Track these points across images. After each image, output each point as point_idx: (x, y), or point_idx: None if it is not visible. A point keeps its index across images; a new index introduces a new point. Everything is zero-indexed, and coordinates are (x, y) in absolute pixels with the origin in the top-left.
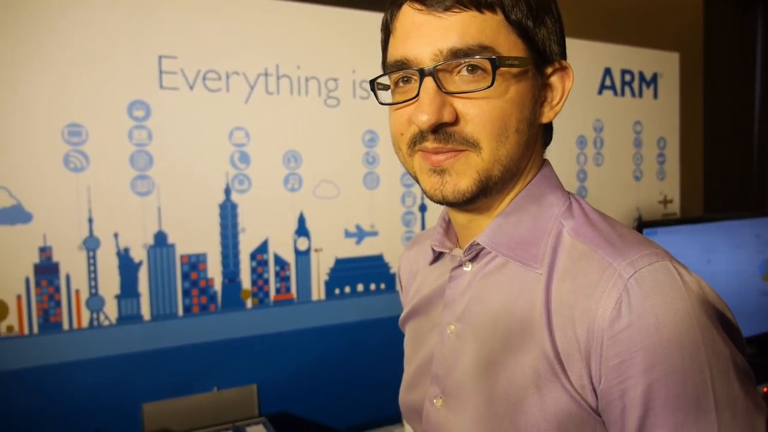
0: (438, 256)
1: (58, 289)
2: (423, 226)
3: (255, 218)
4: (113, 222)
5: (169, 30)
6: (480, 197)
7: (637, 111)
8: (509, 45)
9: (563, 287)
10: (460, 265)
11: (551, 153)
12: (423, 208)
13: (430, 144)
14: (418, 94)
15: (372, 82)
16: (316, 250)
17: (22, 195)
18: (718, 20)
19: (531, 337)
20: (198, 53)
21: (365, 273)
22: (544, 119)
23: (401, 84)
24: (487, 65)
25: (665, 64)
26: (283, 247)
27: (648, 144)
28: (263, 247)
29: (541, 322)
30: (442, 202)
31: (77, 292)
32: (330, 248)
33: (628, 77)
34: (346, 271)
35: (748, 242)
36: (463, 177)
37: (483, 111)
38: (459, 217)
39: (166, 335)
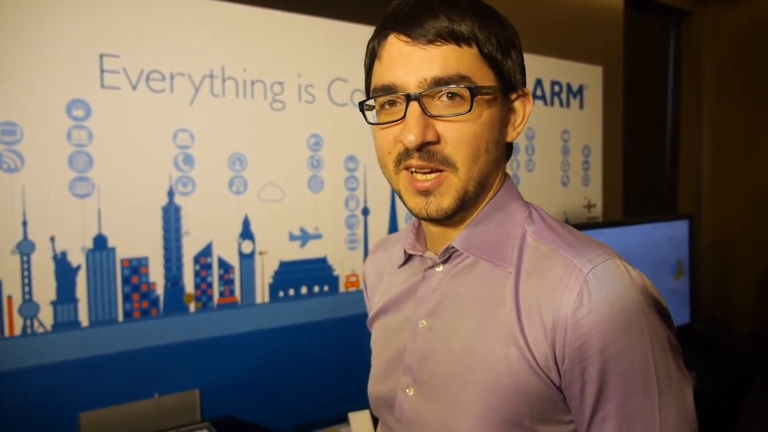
0: (408, 259)
1: None
2: (365, 229)
3: (199, 221)
4: (49, 225)
5: (112, 27)
6: (459, 212)
7: (565, 120)
8: (482, 75)
9: (531, 283)
10: (433, 266)
11: None
12: (366, 212)
13: (414, 161)
14: (404, 116)
15: (361, 104)
16: (260, 253)
17: None
18: (637, 36)
19: (502, 327)
20: (141, 52)
21: (309, 275)
22: (509, 138)
23: (387, 107)
24: (466, 93)
25: (590, 76)
26: (227, 250)
27: (574, 151)
28: (207, 251)
29: (510, 313)
30: (426, 219)
31: (9, 298)
32: (275, 251)
33: (557, 88)
34: (290, 274)
35: (661, 243)
36: (445, 197)
37: (461, 134)
38: (435, 229)
39: (106, 341)
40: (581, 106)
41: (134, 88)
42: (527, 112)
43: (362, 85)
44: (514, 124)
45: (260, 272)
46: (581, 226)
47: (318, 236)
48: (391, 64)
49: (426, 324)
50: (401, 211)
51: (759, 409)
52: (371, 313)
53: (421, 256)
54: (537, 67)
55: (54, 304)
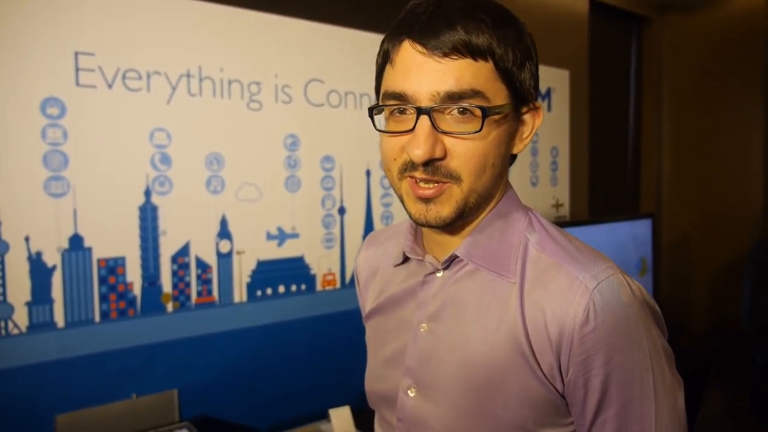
0: (405, 261)
1: None
2: (342, 229)
3: (176, 221)
4: (24, 225)
5: (87, 25)
6: (458, 221)
7: None
8: (496, 90)
9: (536, 294)
10: (434, 272)
11: None
12: (342, 211)
13: (419, 174)
14: (413, 128)
15: (371, 109)
16: (238, 253)
17: None
18: (601, 42)
19: (506, 334)
20: (117, 51)
21: (287, 274)
22: (515, 151)
23: (396, 114)
24: (478, 112)
25: (557, 79)
26: (204, 249)
27: (543, 153)
28: (184, 250)
29: (516, 321)
30: (425, 225)
31: None
32: (252, 250)
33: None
34: (268, 273)
35: (626, 241)
36: (445, 206)
37: (468, 150)
38: (436, 236)
39: (82, 342)
40: (549, 108)
41: (110, 86)
42: (536, 126)
43: (338, 86)
44: (522, 136)
45: (238, 271)
46: None
47: (295, 235)
48: (405, 73)
49: (427, 327)
50: (377, 211)
51: (716, 397)
52: (367, 309)
53: (421, 260)
54: None
55: (29, 305)
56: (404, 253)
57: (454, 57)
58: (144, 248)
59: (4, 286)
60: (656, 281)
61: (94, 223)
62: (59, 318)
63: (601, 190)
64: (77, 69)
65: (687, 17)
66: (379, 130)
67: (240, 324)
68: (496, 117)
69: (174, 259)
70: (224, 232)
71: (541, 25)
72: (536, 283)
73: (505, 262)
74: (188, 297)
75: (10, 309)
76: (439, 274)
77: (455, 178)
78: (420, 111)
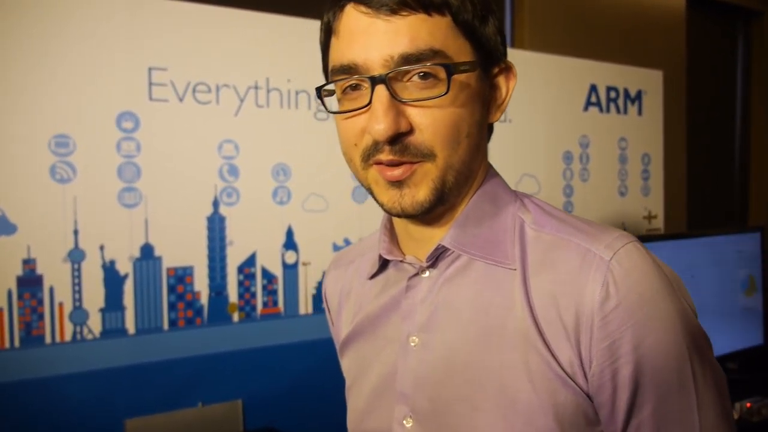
0: (380, 269)
1: (41, 302)
2: None
3: (243, 231)
4: (99, 234)
5: (160, 41)
6: (437, 206)
7: (622, 127)
8: (458, 47)
9: (542, 279)
10: (418, 273)
11: (539, 167)
12: None
13: (385, 156)
14: (370, 103)
15: (318, 90)
16: (304, 264)
17: (6, 206)
18: (701, 39)
19: (515, 333)
20: (188, 65)
21: None
22: (492, 119)
23: (349, 91)
24: (441, 72)
25: (649, 81)
26: (270, 260)
27: (633, 160)
28: (251, 261)
29: (523, 316)
30: (400, 214)
31: (61, 305)
32: (318, 262)
33: (613, 94)
34: None
35: (730, 258)
36: (420, 188)
37: (436, 119)
38: (415, 229)
39: (151, 349)
40: (640, 112)
41: (181, 100)
42: (510, 88)
43: None
44: (497, 102)
45: (303, 283)
46: (642, 239)
47: None
48: (350, 40)
49: (418, 341)
50: None
51: None
52: (341, 339)
53: (401, 262)
54: (591, 72)
55: (102, 311)
56: (380, 257)
57: (404, 13)
58: (211, 258)
59: (80, 292)
60: (767, 301)
61: (164, 233)
62: (130, 325)
63: (702, 202)
64: (150, 84)
65: None
66: (331, 112)
67: (305, 336)
68: (463, 77)
69: (240, 270)
70: (290, 243)
71: (630, 22)
72: (541, 267)
73: (500, 246)
74: (254, 307)
75: (86, 315)
76: (426, 275)
77: (427, 155)
78: (374, 81)
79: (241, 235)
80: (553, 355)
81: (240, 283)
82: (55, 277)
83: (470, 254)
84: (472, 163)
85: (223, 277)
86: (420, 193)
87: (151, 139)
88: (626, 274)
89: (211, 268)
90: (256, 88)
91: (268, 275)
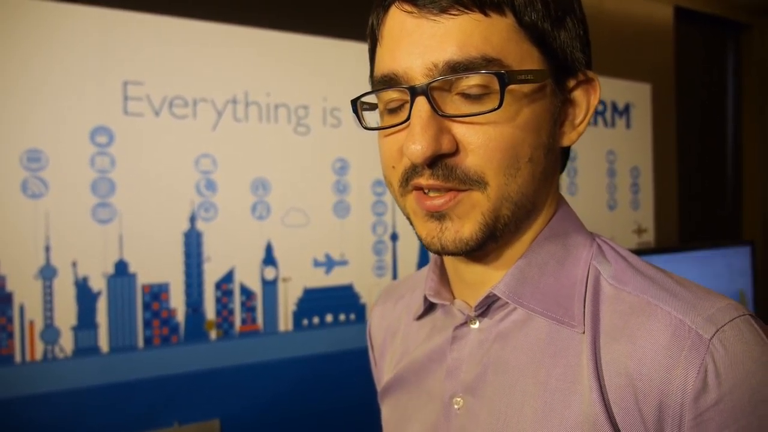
0: (428, 310)
1: (10, 320)
2: (394, 256)
3: (221, 247)
4: (72, 250)
5: (136, 55)
6: (488, 244)
7: (610, 140)
8: (521, 55)
9: (617, 351)
10: (466, 322)
11: None
12: (394, 237)
13: (425, 180)
14: (409, 118)
15: (354, 103)
16: (284, 280)
17: None
18: (690, 52)
19: (580, 415)
20: (165, 79)
21: (335, 303)
22: (565, 142)
23: (392, 105)
24: (494, 82)
25: (637, 94)
26: (249, 276)
27: (621, 173)
28: (229, 277)
29: (591, 397)
30: (440, 251)
31: (31, 323)
32: (298, 278)
33: (600, 107)
34: (315, 301)
35: (721, 272)
36: (465, 222)
37: (489, 139)
38: (465, 268)
39: (125, 368)
40: (628, 125)
41: (157, 114)
42: (592, 105)
43: None
44: (574, 121)
45: (283, 299)
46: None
47: (344, 263)
48: (392, 46)
49: (462, 404)
50: None
51: None
52: (382, 384)
53: (448, 305)
54: None
55: (75, 329)
56: (425, 298)
57: (454, 13)
58: (188, 274)
59: (51, 310)
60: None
61: (139, 249)
62: (103, 343)
63: (694, 215)
64: (126, 98)
65: None
66: (367, 128)
67: (285, 354)
68: (525, 89)
69: (218, 286)
70: (269, 259)
71: (618, 36)
72: (617, 334)
73: (566, 302)
74: (232, 325)
75: (57, 333)
76: (475, 326)
77: (477, 182)
78: (414, 92)
79: (218, 251)
80: None
81: (218, 300)
82: (26, 294)
83: (527, 308)
84: (536, 195)
85: (200, 293)
86: (465, 228)
87: (126, 153)
88: (734, 361)
89: (188, 285)
90: (235, 102)
91: (246, 292)
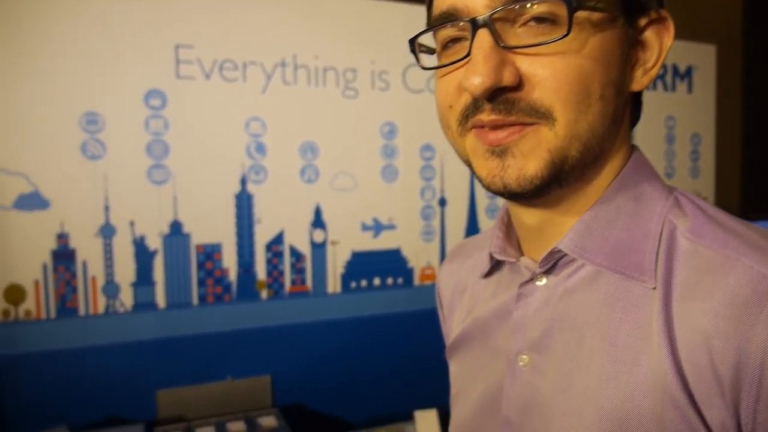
0: (494, 267)
1: (74, 276)
2: (442, 221)
3: (271, 209)
4: (129, 210)
5: (186, 19)
6: (553, 186)
7: (669, 105)
8: None
9: (691, 308)
10: (532, 279)
11: None
12: (442, 202)
13: (486, 116)
14: (469, 53)
15: (412, 42)
16: (332, 243)
17: (39, 182)
18: (758, 11)
19: (648, 375)
20: (215, 43)
21: (382, 267)
22: (636, 86)
23: (450, 45)
24: (561, 8)
25: (701, 56)
26: (298, 238)
27: (681, 140)
28: (279, 239)
29: (661, 354)
30: (502, 192)
31: (93, 278)
32: (347, 241)
33: (660, 70)
34: (362, 265)
35: None
36: (530, 158)
37: (556, 70)
38: (527, 217)
39: (181, 324)
40: (690, 89)
41: (208, 77)
42: (666, 47)
43: None
44: (645, 65)
45: (332, 262)
46: None
47: (392, 227)
48: None
49: (528, 360)
50: (481, 203)
51: None
52: (450, 340)
53: (514, 263)
54: None
55: (134, 285)
56: (491, 255)
57: None
58: (240, 235)
59: (112, 267)
60: None
61: (192, 210)
62: (160, 299)
63: (757, 185)
64: (177, 61)
65: None
66: (425, 67)
67: (333, 315)
68: (594, 18)
69: (268, 248)
70: (318, 222)
71: None
72: (692, 291)
73: (636, 257)
74: (282, 285)
75: (117, 288)
76: (541, 282)
77: (544, 115)
78: (475, 24)
79: (269, 213)
80: (699, 414)
81: (268, 261)
82: (88, 251)
83: (594, 263)
84: (606, 139)
85: (251, 254)
86: (530, 165)
87: (179, 116)
88: None
89: (240, 246)
90: (284, 65)
91: (296, 253)
